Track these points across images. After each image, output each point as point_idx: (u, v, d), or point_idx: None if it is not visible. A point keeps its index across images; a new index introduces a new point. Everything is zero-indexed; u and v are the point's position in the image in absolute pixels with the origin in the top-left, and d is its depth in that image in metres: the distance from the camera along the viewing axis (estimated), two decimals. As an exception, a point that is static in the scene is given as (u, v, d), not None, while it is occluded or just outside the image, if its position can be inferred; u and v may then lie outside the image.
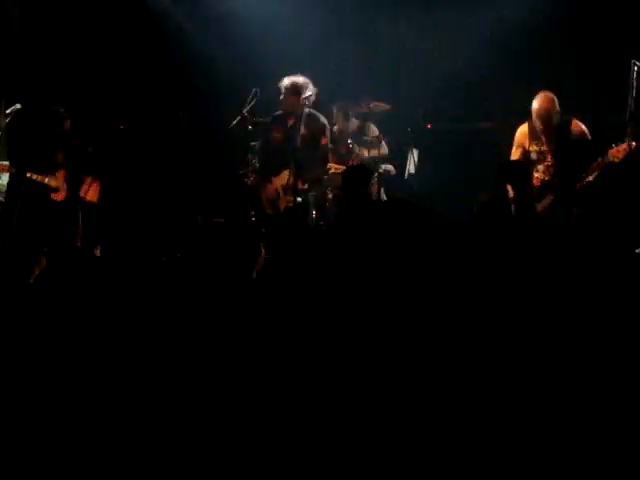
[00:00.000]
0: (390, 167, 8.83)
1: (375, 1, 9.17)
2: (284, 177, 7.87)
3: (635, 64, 6.78)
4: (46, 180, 7.99)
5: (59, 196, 8.05)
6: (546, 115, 7.07)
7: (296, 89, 7.89)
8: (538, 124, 7.14)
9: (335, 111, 8.82)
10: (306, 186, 7.95)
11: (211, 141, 8.58)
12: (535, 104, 7.13)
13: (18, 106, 7.94)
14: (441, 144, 8.66)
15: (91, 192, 8.17)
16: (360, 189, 3.94)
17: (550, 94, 7.13)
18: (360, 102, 8.71)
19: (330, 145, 8.25)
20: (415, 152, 8.67)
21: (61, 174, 8.06)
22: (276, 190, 7.91)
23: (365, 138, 8.82)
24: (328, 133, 8.14)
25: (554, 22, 8.55)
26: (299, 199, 7.83)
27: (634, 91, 6.76)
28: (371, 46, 9.28)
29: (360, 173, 3.99)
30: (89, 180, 8.15)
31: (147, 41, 9.25)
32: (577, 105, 7.49)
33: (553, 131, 7.12)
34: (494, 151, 8.23)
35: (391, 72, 9.29)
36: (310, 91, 7.87)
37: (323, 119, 8.11)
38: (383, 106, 8.79)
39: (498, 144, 8.23)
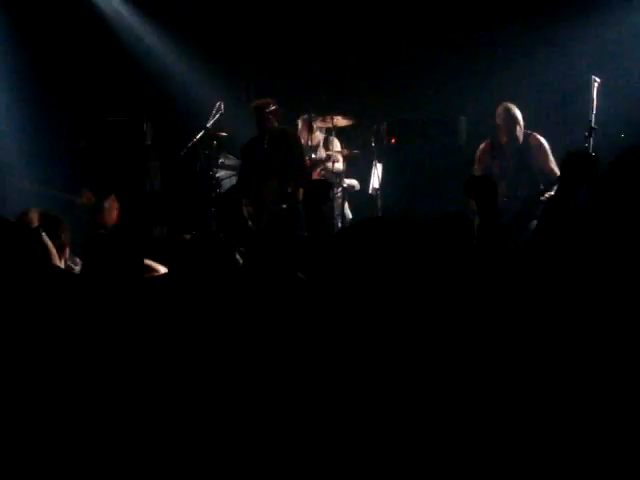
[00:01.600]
0: (354, 182, 8.87)
1: (342, 13, 9.19)
2: (271, 186, 7.85)
3: (595, 80, 6.87)
4: None
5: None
6: (506, 127, 7.13)
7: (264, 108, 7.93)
8: (500, 137, 7.20)
9: (300, 125, 8.83)
10: (290, 190, 7.93)
11: (175, 156, 8.53)
12: (498, 114, 7.20)
13: None
14: (405, 159, 8.68)
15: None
16: (320, 204, 3.90)
17: (510, 105, 7.20)
18: (324, 116, 8.74)
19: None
20: (379, 167, 8.70)
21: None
22: (261, 202, 7.87)
23: (328, 153, 8.84)
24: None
25: (514, 36, 8.64)
26: (283, 205, 7.85)
27: (594, 106, 6.84)
28: (335, 59, 9.31)
29: (320, 188, 3.95)
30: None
31: (110, 53, 9.19)
32: (537, 121, 7.55)
33: (515, 143, 7.18)
34: (459, 167, 8.31)
35: (355, 86, 9.32)
36: (273, 106, 7.93)
37: (291, 130, 8.18)
38: (346, 120, 8.82)
39: (463, 160, 8.31)
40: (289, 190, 7.88)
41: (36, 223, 4.58)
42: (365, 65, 9.29)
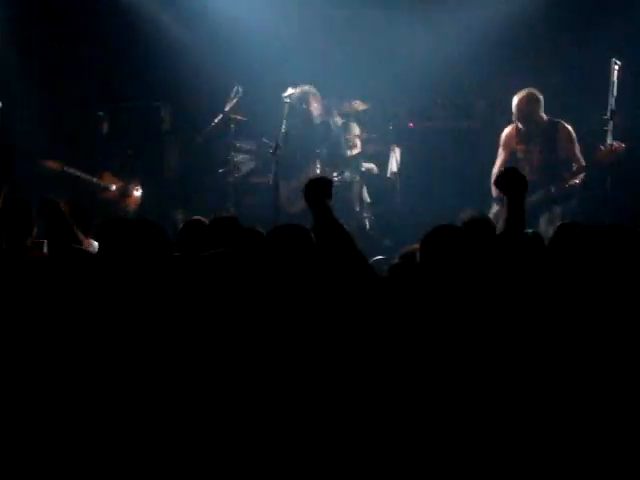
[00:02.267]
0: (372, 166, 8.84)
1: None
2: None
3: (615, 62, 6.83)
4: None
5: None
6: (526, 112, 7.10)
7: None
8: (519, 123, 7.17)
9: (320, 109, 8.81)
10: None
11: (193, 139, 8.54)
12: (514, 102, 7.16)
13: None
14: (424, 143, 8.65)
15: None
16: (323, 200, 3.86)
17: (531, 91, 7.14)
18: (342, 101, 8.72)
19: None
20: (397, 151, 8.67)
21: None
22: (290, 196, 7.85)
23: (347, 137, 8.81)
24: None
25: (536, 21, 8.57)
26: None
27: (614, 89, 6.81)
28: (353, 44, 9.26)
29: (320, 185, 3.93)
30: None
31: (128, 39, 9.19)
32: (560, 103, 7.51)
33: (539, 128, 7.14)
34: (477, 150, 8.28)
35: (374, 70, 9.26)
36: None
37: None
38: (364, 105, 8.79)
39: (481, 143, 8.28)
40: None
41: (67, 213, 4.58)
42: (382, 49, 9.22)
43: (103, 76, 9.09)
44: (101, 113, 8.39)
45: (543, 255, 3.88)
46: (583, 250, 3.42)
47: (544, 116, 7.16)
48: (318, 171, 7.97)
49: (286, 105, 8.00)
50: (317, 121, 8.23)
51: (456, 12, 8.68)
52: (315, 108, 8.21)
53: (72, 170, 7.95)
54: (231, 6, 8.86)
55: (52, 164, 7.90)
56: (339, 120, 8.91)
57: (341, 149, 8.28)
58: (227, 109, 8.20)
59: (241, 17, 8.86)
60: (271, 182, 7.72)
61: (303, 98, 8.16)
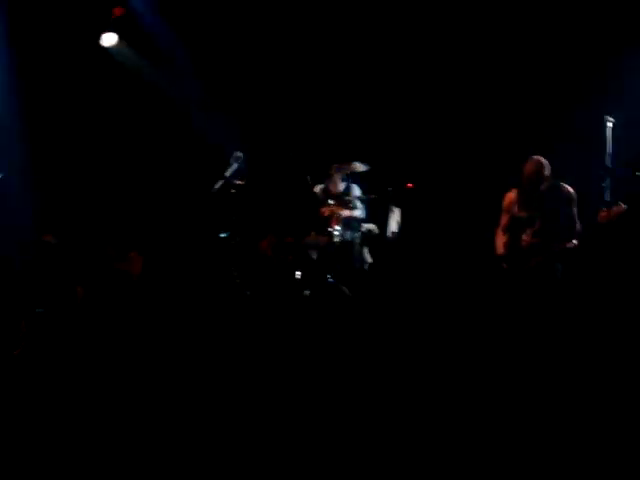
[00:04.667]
0: (373, 226, 8.93)
1: (356, 61, 9.31)
2: (271, 238, 7.92)
3: (608, 120, 6.91)
4: None
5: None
6: (535, 179, 7.17)
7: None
8: (526, 188, 7.23)
9: (334, 174, 8.95)
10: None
11: (195, 202, 8.64)
12: (525, 171, 7.23)
13: None
14: (422, 203, 8.73)
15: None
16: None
17: (540, 159, 7.23)
18: (348, 163, 8.84)
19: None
20: (397, 211, 8.76)
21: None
22: (264, 252, 7.92)
23: (347, 198, 8.91)
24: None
25: (533, 77, 8.70)
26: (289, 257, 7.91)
27: (609, 146, 6.88)
28: (353, 107, 9.42)
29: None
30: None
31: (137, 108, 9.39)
32: (554, 162, 7.59)
33: (541, 194, 7.22)
34: (476, 210, 8.35)
35: (373, 133, 9.40)
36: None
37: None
38: (364, 166, 8.91)
39: (480, 203, 8.36)
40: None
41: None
42: (381, 111, 9.37)
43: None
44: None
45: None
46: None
47: (548, 181, 7.24)
48: None
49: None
50: None
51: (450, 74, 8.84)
52: None
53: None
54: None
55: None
56: (339, 182, 9.04)
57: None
58: (227, 175, 8.31)
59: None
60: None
61: None
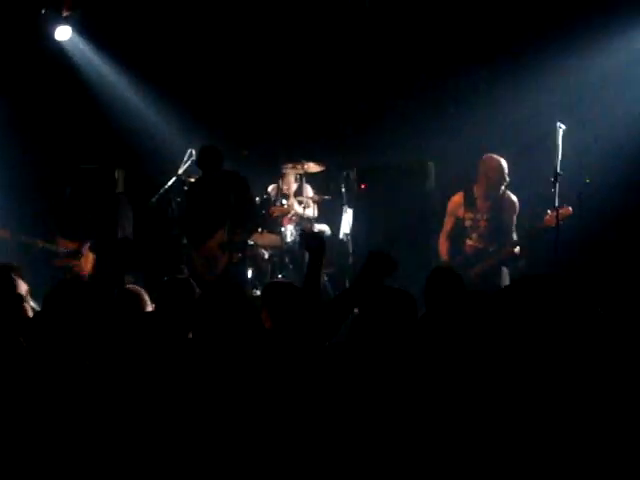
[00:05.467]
0: (325, 227, 8.94)
1: (311, 60, 9.30)
2: (220, 236, 7.78)
3: (560, 127, 6.98)
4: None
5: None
6: (499, 177, 7.21)
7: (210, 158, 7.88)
8: (489, 186, 7.23)
9: (285, 172, 8.93)
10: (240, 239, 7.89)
11: (146, 202, 8.55)
12: (488, 165, 7.25)
13: None
14: (375, 204, 8.75)
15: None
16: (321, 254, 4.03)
17: (501, 158, 7.27)
18: (295, 163, 8.84)
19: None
20: (349, 212, 8.79)
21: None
22: (211, 251, 7.81)
23: (299, 199, 8.93)
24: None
25: (481, 81, 8.77)
26: (239, 255, 7.82)
27: (559, 152, 6.95)
28: (307, 106, 9.42)
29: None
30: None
31: (82, 102, 9.29)
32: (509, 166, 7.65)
33: (493, 197, 7.26)
34: (427, 211, 8.39)
35: (325, 132, 9.41)
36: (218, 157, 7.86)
37: (241, 176, 8.11)
38: (318, 167, 8.93)
39: (431, 204, 8.41)
40: (239, 239, 7.85)
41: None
42: (335, 111, 9.38)
43: (59, 140, 9.14)
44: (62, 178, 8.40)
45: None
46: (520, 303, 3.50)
47: (503, 186, 7.29)
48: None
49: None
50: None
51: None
52: None
53: (23, 237, 7.91)
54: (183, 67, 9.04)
55: (0, 232, 7.86)
56: (292, 182, 9.03)
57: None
58: (181, 172, 8.26)
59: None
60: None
61: None
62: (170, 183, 8.22)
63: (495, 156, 7.32)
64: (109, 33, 9.28)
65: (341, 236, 8.87)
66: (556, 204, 6.91)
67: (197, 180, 8.11)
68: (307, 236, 4.16)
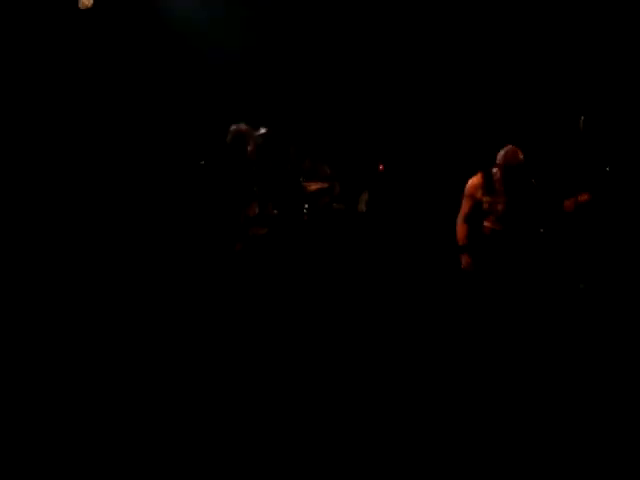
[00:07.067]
0: (340, 205, 8.97)
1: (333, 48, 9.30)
2: (253, 209, 7.79)
3: (583, 119, 7.01)
4: None
5: None
6: (513, 169, 7.23)
7: (239, 138, 7.90)
8: (500, 175, 7.26)
9: (291, 152, 8.92)
10: (276, 212, 7.93)
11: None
12: (504, 156, 7.26)
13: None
14: (393, 184, 8.79)
15: None
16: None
17: (519, 150, 7.29)
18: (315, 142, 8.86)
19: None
20: (366, 192, 8.83)
21: None
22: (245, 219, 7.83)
23: (317, 176, 8.95)
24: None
25: (506, 68, 8.79)
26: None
27: (581, 140, 6.99)
28: (328, 86, 9.43)
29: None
30: None
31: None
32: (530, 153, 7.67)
33: (511, 186, 7.30)
34: (444, 192, 8.43)
35: (345, 113, 9.43)
36: (252, 138, 7.84)
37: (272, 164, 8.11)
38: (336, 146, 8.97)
39: (448, 186, 8.44)
40: (275, 212, 7.88)
41: None
42: (356, 93, 9.41)
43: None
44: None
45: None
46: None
47: (520, 176, 7.32)
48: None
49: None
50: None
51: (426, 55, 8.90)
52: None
53: None
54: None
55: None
56: (309, 161, 9.06)
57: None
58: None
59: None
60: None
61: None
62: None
63: (514, 149, 7.33)
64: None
65: (357, 214, 8.90)
66: (574, 191, 6.96)
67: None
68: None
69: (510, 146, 7.29)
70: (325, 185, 8.77)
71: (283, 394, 3.31)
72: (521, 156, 7.25)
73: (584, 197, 7.01)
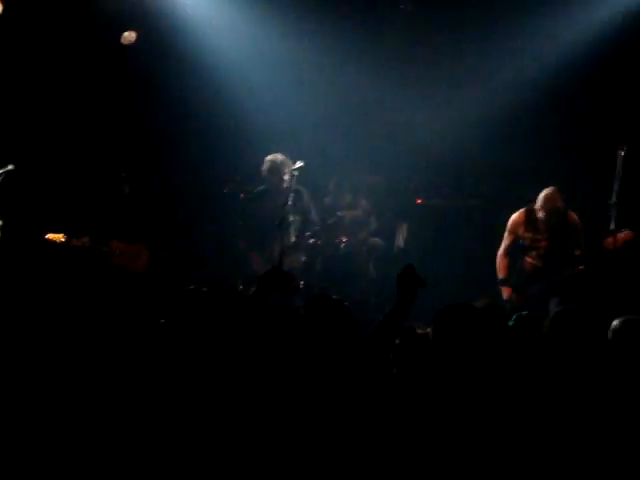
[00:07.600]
0: (378, 240, 8.92)
1: (374, 79, 9.27)
2: (273, 253, 7.76)
3: (621, 150, 6.94)
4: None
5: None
6: (555, 211, 7.24)
7: (275, 169, 7.95)
8: (543, 215, 7.27)
9: (331, 186, 8.93)
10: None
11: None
12: (545, 199, 7.27)
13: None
14: (431, 219, 8.76)
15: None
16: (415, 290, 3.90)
17: (558, 191, 7.28)
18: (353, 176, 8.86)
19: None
20: (404, 226, 8.79)
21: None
22: (263, 263, 7.80)
23: (354, 212, 8.92)
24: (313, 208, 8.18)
25: (543, 106, 8.74)
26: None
27: (620, 175, 6.92)
28: (366, 121, 9.43)
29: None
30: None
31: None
32: (565, 188, 7.61)
33: (552, 223, 7.30)
34: (481, 228, 8.40)
35: (385, 147, 9.41)
36: (288, 169, 7.84)
37: (307, 195, 8.12)
38: (374, 180, 8.94)
39: (486, 222, 8.41)
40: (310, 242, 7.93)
41: None
42: (395, 127, 9.39)
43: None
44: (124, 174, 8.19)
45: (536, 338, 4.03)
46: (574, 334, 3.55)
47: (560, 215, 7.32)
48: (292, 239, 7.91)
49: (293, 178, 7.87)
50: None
51: (464, 95, 8.87)
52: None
53: (76, 242, 7.67)
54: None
55: (54, 237, 7.65)
56: (348, 195, 9.03)
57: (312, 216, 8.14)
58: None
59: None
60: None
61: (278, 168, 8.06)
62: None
63: (556, 190, 7.30)
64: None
65: (395, 250, 8.87)
66: (612, 227, 6.89)
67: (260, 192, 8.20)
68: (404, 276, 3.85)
69: (552, 188, 7.31)
70: (361, 216, 8.76)
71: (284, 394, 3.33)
72: (562, 198, 7.28)
73: (626, 235, 6.97)
